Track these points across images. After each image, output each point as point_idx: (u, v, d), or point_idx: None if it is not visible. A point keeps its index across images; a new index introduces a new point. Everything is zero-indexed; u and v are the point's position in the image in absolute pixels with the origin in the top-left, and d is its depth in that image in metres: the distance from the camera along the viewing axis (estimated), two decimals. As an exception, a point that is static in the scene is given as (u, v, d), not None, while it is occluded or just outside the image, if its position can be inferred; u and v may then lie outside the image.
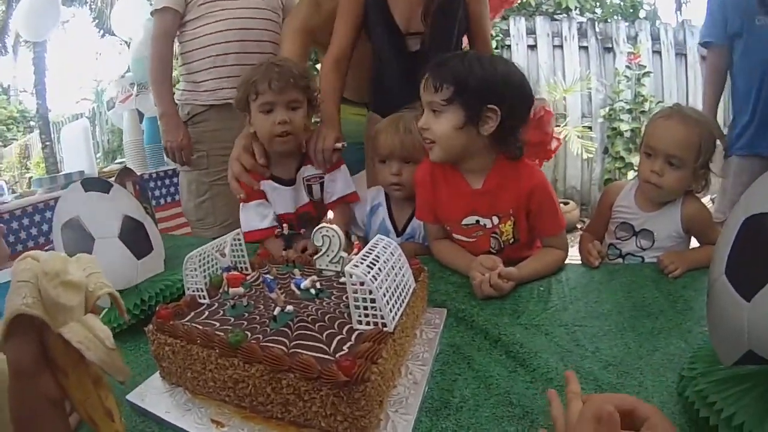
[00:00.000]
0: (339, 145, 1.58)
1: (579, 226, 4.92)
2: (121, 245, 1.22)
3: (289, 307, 0.88)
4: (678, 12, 5.92)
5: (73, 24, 12.29)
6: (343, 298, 0.93)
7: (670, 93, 4.99)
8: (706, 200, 2.97)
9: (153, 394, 0.88)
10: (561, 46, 5.11)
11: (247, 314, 0.92)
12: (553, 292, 1.19)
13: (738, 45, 2.04)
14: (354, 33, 1.74)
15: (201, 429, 0.79)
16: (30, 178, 10.37)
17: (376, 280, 0.79)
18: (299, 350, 0.77)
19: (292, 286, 0.97)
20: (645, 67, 4.83)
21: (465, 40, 1.85)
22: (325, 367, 0.69)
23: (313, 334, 0.82)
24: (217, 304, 0.98)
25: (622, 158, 4.85)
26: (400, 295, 0.87)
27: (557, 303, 1.13)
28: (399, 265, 0.91)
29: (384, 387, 0.77)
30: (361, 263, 0.81)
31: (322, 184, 1.63)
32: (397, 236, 1.57)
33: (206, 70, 2.16)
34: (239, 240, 1.13)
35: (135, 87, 3.67)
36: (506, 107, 1.20)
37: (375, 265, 0.82)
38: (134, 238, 1.25)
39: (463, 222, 1.34)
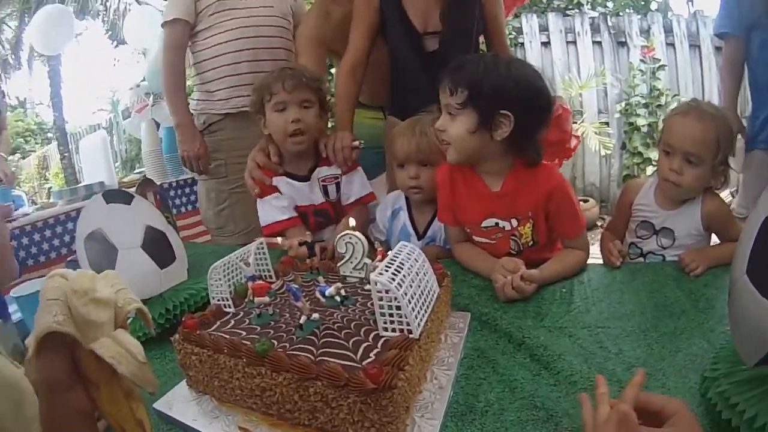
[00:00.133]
0: (357, 143, 1.62)
1: (599, 223, 4.88)
2: (145, 255, 1.23)
3: (315, 315, 0.89)
4: (690, 2, 5.84)
5: (86, 36, 12.44)
6: (368, 304, 0.93)
7: (685, 85, 4.92)
8: (725, 194, 2.94)
9: (180, 402, 0.90)
10: (574, 42, 5.06)
11: (272, 323, 0.93)
12: (576, 294, 1.18)
13: (755, 37, 1.99)
14: (369, 39, 1.76)
15: (229, 437, 0.80)
16: (49, 188, 10.51)
17: (401, 287, 0.79)
18: (326, 358, 0.78)
19: (317, 294, 0.98)
20: (659, 60, 4.77)
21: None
22: (352, 375, 0.70)
23: (340, 341, 0.83)
24: (242, 313, 0.99)
25: (640, 153, 4.79)
26: (425, 301, 0.88)
27: (580, 304, 1.13)
28: (423, 271, 0.91)
29: (410, 393, 0.78)
30: (386, 271, 0.81)
31: (337, 185, 1.67)
32: (418, 239, 1.58)
33: (219, 80, 2.18)
34: (263, 248, 1.14)
35: (151, 97, 3.70)
36: (520, 113, 1.19)
37: (400, 272, 0.83)
38: (157, 247, 1.27)
39: (482, 224, 1.35)
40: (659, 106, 4.74)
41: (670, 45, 4.94)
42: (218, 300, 1.01)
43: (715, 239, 1.37)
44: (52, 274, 0.64)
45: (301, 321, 0.87)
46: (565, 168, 4.87)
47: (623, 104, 4.91)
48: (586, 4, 5.36)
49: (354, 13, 1.76)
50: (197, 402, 0.89)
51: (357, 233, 1.01)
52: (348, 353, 0.79)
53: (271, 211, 1.63)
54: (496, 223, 1.33)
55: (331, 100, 1.74)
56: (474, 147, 1.26)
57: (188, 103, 2.28)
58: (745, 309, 0.62)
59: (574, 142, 1.77)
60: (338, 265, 1.08)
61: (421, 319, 0.83)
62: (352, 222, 1.07)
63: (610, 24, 5.03)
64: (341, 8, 1.92)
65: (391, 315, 0.82)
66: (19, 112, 14.82)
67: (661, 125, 4.54)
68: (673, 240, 1.34)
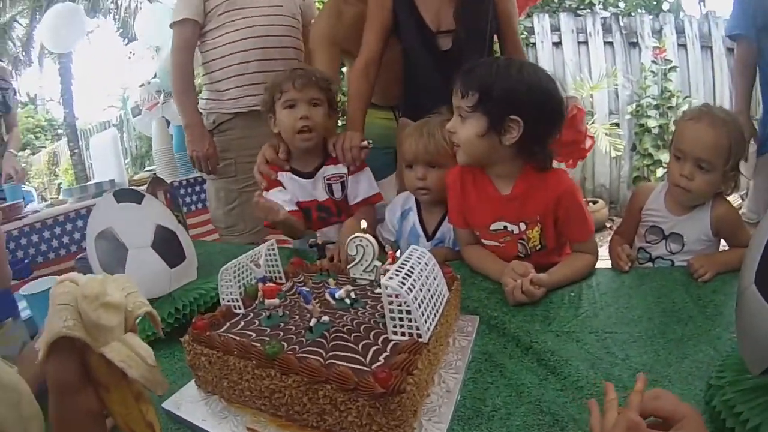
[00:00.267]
0: (365, 143, 1.64)
1: (608, 224, 4.87)
2: (155, 254, 1.23)
3: (325, 318, 0.90)
4: (701, 3, 5.80)
5: (97, 34, 12.54)
6: (378, 307, 0.94)
7: (696, 87, 4.89)
8: (735, 197, 2.91)
9: (188, 402, 0.90)
10: (586, 42, 5.04)
11: (282, 324, 0.93)
12: (584, 298, 1.18)
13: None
14: (382, 39, 1.76)
15: (237, 437, 0.80)
16: (59, 184, 10.60)
17: (411, 291, 0.80)
18: (335, 361, 0.78)
19: (327, 296, 0.98)
20: (671, 61, 4.75)
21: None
22: (361, 379, 0.71)
23: (349, 344, 0.83)
24: (252, 314, 0.99)
25: (650, 155, 4.76)
26: (435, 305, 0.88)
27: (588, 309, 1.13)
28: (433, 275, 0.92)
29: (418, 397, 0.78)
30: (397, 275, 0.82)
31: (342, 184, 1.69)
32: (428, 241, 1.58)
33: (229, 79, 2.18)
34: (273, 250, 1.15)
35: (162, 95, 3.70)
36: (530, 119, 1.18)
37: (410, 276, 0.83)
38: (167, 247, 1.27)
39: (491, 227, 1.35)
40: (670, 107, 4.71)
41: (682, 46, 4.90)
42: (228, 301, 1.02)
43: (724, 244, 1.36)
44: (62, 279, 0.64)
45: (311, 323, 0.88)
46: (575, 169, 4.85)
47: (634, 105, 4.89)
48: (598, 4, 5.33)
49: (368, 13, 1.77)
50: (206, 402, 0.90)
51: (367, 236, 1.02)
52: (357, 356, 0.80)
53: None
54: (505, 227, 1.33)
55: (342, 100, 1.75)
56: (483, 150, 1.26)
57: (197, 103, 2.28)
58: (753, 318, 0.62)
59: (589, 142, 1.76)
60: (348, 267, 1.08)
61: (430, 323, 0.84)
62: (363, 224, 1.07)
63: (621, 24, 5.00)
64: (353, 8, 1.93)
65: (401, 319, 0.82)
66: (29, 109, 14.96)
67: (672, 127, 4.54)
68: (682, 245, 1.34)
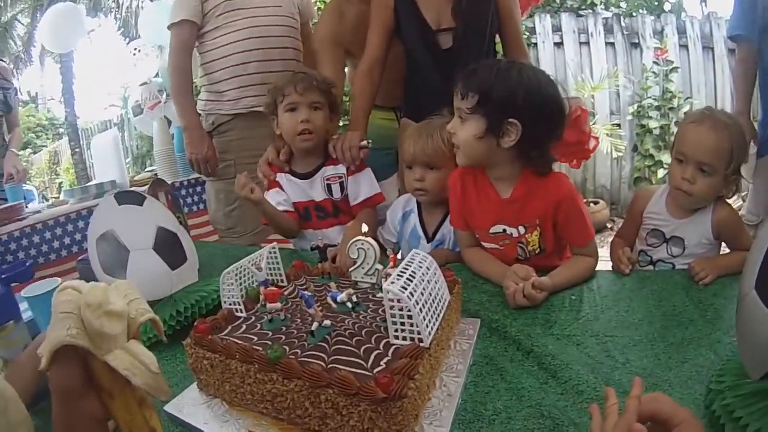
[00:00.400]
0: (364, 142, 1.67)
1: (609, 225, 4.87)
2: (156, 257, 1.23)
3: (327, 322, 0.90)
4: (703, 3, 5.79)
5: (99, 33, 12.55)
6: (379, 311, 0.95)
7: (698, 88, 4.88)
8: (735, 198, 2.91)
9: (190, 405, 0.91)
10: (587, 43, 5.03)
11: (284, 328, 0.93)
12: (585, 301, 1.18)
13: None
14: (385, 40, 1.78)
15: (239, 440, 0.81)
16: (60, 183, 10.61)
17: (412, 296, 0.80)
18: (337, 365, 0.79)
19: (329, 299, 0.99)
20: (672, 62, 4.74)
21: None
22: (363, 384, 0.71)
23: (351, 348, 0.84)
24: (254, 318, 1.00)
25: (651, 156, 4.75)
26: (436, 309, 0.88)
27: (588, 312, 1.13)
28: (434, 280, 0.92)
29: (420, 401, 0.79)
30: (398, 279, 0.82)
31: (341, 184, 1.72)
32: (428, 242, 1.58)
33: (228, 80, 2.17)
34: (275, 253, 1.15)
35: (164, 94, 3.68)
36: (529, 123, 1.18)
37: (412, 281, 0.83)
38: (168, 249, 1.27)
39: (491, 230, 1.35)
40: (671, 108, 4.70)
41: (684, 47, 4.89)
42: (230, 304, 1.02)
43: (725, 248, 1.36)
44: (63, 286, 0.64)
45: (313, 327, 0.88)
46: (576, 170, 4.86)
47: (635, 106, 4.88)
48: (600, 5, 5.33)
49: (371, 14, 1.78)
50: (208, 405, 0.90)
51: (369, 239, 1.02)
52: (359, 361, 0.80)
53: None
54: (504, 230, 1.33)
55: (346, 101, 1.77)
56: (481, 152, 1.26)
57: (196, 105, 2.27)
58: (753, 324, 0.63)
59: (593, 143, 1.76)
60: (350, 270, 1.09)
61: (431, 328, 0.84)
62: (364, 228, 1.07)
63: (623, 25, 4.99)
64: (355, 8, 1.93)
65: (402, 323, 0.83)
66: (30, 107, 14.96)
67: (673, 128, 4.53)
68: (683, 249, 1.34)
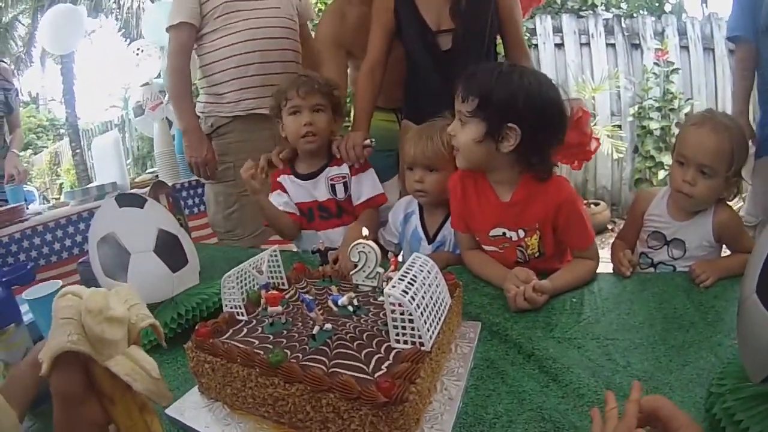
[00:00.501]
0: (368, 142, 1.68)
1: (610, 227, 4.87)
2: (157, 259, 1.23)
3: (328, 325, 0.90)
4: (704, 4, 5.79)
5: (99, 34, 12.57)
6: (381, 314, 0.95)
7: (698, 89, 4.88)
8: (736, 199, 2.90)
9: (192, 409, 0.90)
10: (588, 44, 5.03)
11: (285, 332, 0.93)
12: (586, 304, 1.18)
13: (767, 41, 1.97)
14: (387, 41, 1.79)
15: (241, 444, 0.81)
16: (60, 184, 10.62)
17: (413, 300, 0.80)
18: (339, 369, 0.79)
19: (330, 303, 0.99)
20: (673, 63, 4.73)
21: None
22: (364, 388, 0.71)
23: (352, 353, 0.84)
24: (255, 321, 1.00)
25: (652, 157, 4.74)
26: (437, 313, 0.88)
27: (589, 315, 1.13)
28: (435, 284, 0.92)
29: (421, 405, 0.79)
30: (399, 283, 0.82)
31: (345, 184, 1.73)
32: (429, 243, 1.59)
33: (228, 82, 2.16)
34: (276, 256, 1.15)
35: (165, 95, 3.66)
36: (528, 128, 1.18)
37: (413, 285, 0.83)
38: (169, 251, 1.27)
39: (491, 233, 1.35)
40: (672, 109, 4.70)
41: (684, 48, 4.89)
42: (231, 308, 1.02)
43: (726, 250, 1.36)
44: (64, 292, 0.64)
45: (314, 331, 0.88)
46: (577, 171, 4.85)
47: (636, 107, 4.88)
48: (600, 6, 5.32)
49: (372, 16, 1.79)
50: (209, 408, 0.90)
51: (370, 242, 1.02)
52: (360, 365, 0.80)
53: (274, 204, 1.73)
54: (504, 233, 1.33)
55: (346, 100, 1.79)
56: (480, 156, 1.26)
57: (195, 107, 2.26)
58: (754, 327, 0.62)
59: (594, 144, 1.77)
60: (351, 273, 1.09)
61: (433, 332, 0.84)
62: (365, 231, 1.08)
63: (623, 26, 4.99)
64: (357, 9, 1.94)
65: (403, 327, 0.83)
66: (31, 108, 14.97)
67: (674, 129, 4.52)
68: (684, 251, 1.34)
